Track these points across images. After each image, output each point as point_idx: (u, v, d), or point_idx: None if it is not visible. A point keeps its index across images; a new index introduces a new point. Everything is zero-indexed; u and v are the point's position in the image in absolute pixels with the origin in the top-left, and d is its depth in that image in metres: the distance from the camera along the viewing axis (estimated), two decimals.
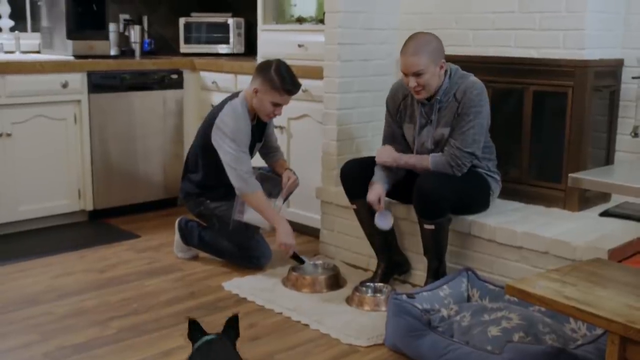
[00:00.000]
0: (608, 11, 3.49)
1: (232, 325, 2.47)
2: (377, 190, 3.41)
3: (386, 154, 3.46)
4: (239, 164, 3.63)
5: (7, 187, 4.35)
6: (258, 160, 4.02)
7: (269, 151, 4.02)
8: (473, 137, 3.26)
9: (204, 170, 3.84)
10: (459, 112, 3.29)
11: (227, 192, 3.72)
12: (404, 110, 3.51)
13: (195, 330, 2.38)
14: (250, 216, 3.71)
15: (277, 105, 3.70)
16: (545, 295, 2.15)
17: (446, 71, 3.33)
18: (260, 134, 3.90)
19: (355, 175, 3.53)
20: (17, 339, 2.98)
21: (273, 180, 3.83)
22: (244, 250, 3.86)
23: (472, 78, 3.34)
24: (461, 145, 3.26)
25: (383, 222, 3.44)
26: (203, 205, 3.88)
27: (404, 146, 3.52)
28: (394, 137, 3.56)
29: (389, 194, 3.59)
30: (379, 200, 3.40)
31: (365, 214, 3.53)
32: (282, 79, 3.62)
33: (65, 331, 3.07)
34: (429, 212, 3.26)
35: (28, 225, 4.51)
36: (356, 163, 3.60)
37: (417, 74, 3.25)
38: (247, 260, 3.86)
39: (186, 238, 4.01)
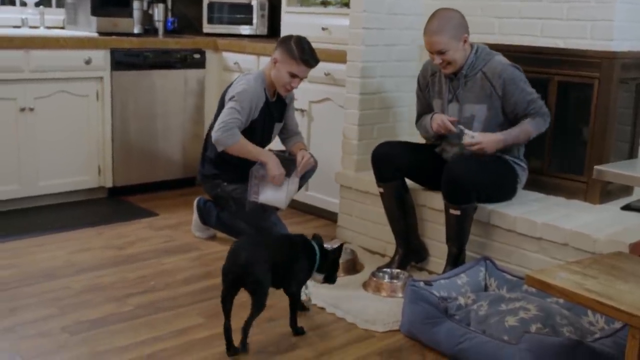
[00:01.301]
0: (636, 2, 3.45)
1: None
2: (439, 116, 3.44)
3: (493, 137, 3.34)
4: (228, 117, 3.65)
5: (28, 161, 4.37)
6: (278, 145, 4.02)
7: (289, 135, 4.02)
8: (531, 92, 3.34)
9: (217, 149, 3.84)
10: (503, 92, 3.31)
11: (242, 173, 3.72)
12: (432, 86, 3.55)
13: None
14: (265, 197, 3.72)
15: (294, 77, 3.73)
16: (566, 287, 2.13)
17: (472, 45, 3.37)
18: (280, 113, 3.90)
19: (387, 158, 3.53)
20: (36, 312, 3.01)
21: (291, 164, 3.83)
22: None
23: (497, 57, 3.38)
24: (543, 107, 3.35)
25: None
26: (220, 188, 3.89)
27: None
28: (427, 112, 3.60)
29: (414, 179, 3.63)
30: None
31: (392, 199, 3.54)
32: (302, 49, 3.69)
33: (82, 306, 3.09)
34: (456, 197, 3.25)
35: (47, 200, 4.54)
36: (389, 146, 3.61)
37: (441, 52, 3.31)
38: None
39: (204, 218, 4.02)
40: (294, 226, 4.22)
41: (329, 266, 3.02)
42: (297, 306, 2.96)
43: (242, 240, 2.93)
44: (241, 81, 3.78)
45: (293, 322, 2.94)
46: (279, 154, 3.82)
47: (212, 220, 4.01)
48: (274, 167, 3.66)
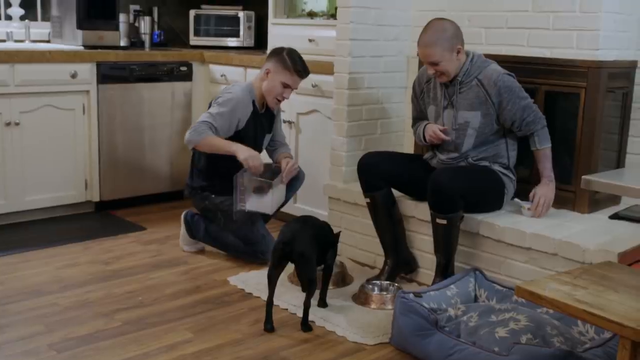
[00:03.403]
0: (623, 12, 3.46)
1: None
2: (431, 126, 3.48)
3: (547, 187, 3.42)
4: (201, 119, 3.68)
5: (14, 176, 4.34)
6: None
7: (276, 146, 4.02)
8: (529, 108, 3.34)
9: (206, 158, 3.83)
10: (499, 101, 3.32)
11: (231, 185, 3.70)
12: (427, 93, 3.56)
13: None
14: (252, 204, 3.71)
15: (287, 87, 3.76)
16: (556, 298, 2.12)
17: (467, 53, 3.40)
18: (269, 124, 3.92)
19: (373, 168, 3.53)
20: (22, 330, 2.97)
21: (274, 173, 3.82)
22: (250, 245, 3.85)
23: (492, 65, 3.39)
24: (542, 120, 3.36)
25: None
26: (208, 200, 3.87)
27: None
28: (422, 119, 3.62)
29: (401, 189, 3.64)
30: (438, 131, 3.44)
31: (378, 209, 3.54)
32: (294, 61, 3.74)
33: (70, 323, 3.06)
34: (442, 206, 3.25)
35: (34, 215, 4.51)
36: (375, 155, 3.60)
37: (434, 63, 3.34)
38: (253, 255, 3.85)
39: (192, 231, 4.00)
40: None
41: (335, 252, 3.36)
42: (329, 278, 3.34)
43: (288, 223, 3.20)
44: (228, 90, 3.80)
45: (324, 294, 3.30)
46: (266, 164, 3.81)
47: (200, 234, 3.98)
48: (245, 153, 3.63)
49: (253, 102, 3.79)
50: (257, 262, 3.83)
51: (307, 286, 3.05)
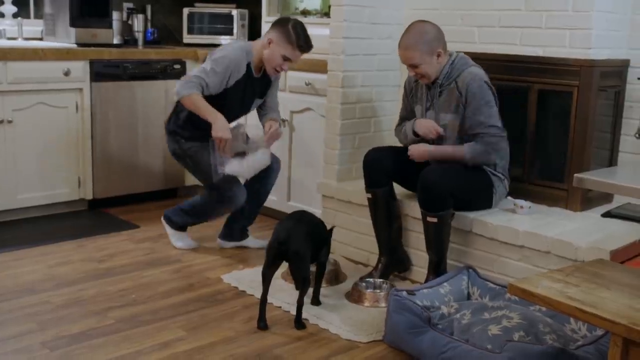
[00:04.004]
0: (615, 11, 3.48)
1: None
2: (426, 120, 3.49)
3: (422, 148, 3.47)
4: (196, 72, 3.66)
5: (7, 174, 4.33)
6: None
7: (267, 111, 3.97)
8: (496, 125, 3.34)
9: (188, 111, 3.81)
10: (464, 104, 3.34)
11: (203, 134, 3.71)
12: (415, 92, 3.58)
13: None
14: (230, 167, 3.70)
15: (287, 60, 3.72)
16: (548, 295, 2.13)
17: (450, 55, 3.40)
18: (263, 90, 3.89)
19: (378, 163, 3.54)
20: (15, 328, 2.97)
21: (247, 138, 3.81)
22: (218, 192, 3.86)
23: (472, 68, 3.37)
24: (493, 133, 3.33)
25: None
26: (178, 144, 3.86)
27: None
28: (411, 116, 3.62)
29: (403, 183, 3.66)
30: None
31: (380, 205, 3.54)
32: (298, 35, 3.68)
33: (62, 321, 3.05)
34: (432, 204, 3.26)
35: (27, 213, 4.50)
36: (380, 151, 3.61)
37: (413, 66, 3.36)
38: (221, 202, 3.88)
39: (173, 222, 4.04)
40: None
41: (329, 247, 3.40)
42: (323, 277, 3.37)
43: (282, 221, 3.18)
44: (226, 47, 3.77)
45: (317, 292, 3.31)
46: (235, 128, 3.79)
47: (179, 218, 4.04)
48: (219, 128, 3.60)
49: (249, 64, 3.74)
50: (225, 209, 3.94)
51: (301, 284, 3.06)
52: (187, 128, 3.80)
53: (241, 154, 3.73)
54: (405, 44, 3.36)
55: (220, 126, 3.60)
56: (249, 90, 3.80)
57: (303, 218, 3.23)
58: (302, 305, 3.06)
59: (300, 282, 3.06)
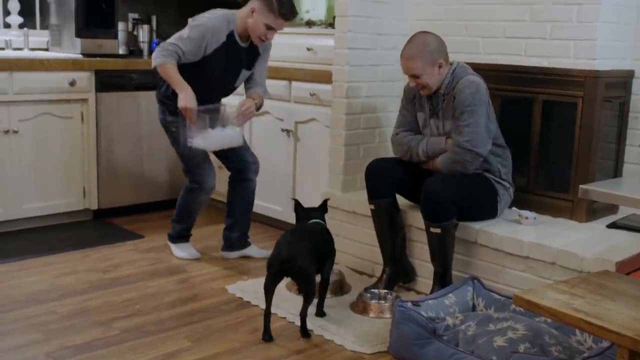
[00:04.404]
0: (619, 22, 3.48)
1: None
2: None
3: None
4: (172, 40, 3.65)
5: (12, 184, 4.34)
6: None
7: (252, 85, 3.92)
8: (470, 135, 3.28)
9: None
10: (454, 109, 3.33)
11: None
12: (418, 100, 3.56)
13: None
14: (198, 142, 3.68)
15: (270, 29, 3.68)
16: (554, 307, 2.13)
17: (451, 64, 3.40)
18: (250, 61, 3.85)
19: (381, 174, 3.53)
20: (20, 338, 2.97)
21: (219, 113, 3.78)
22: (190, 176, 3.93)
23: (469, 76, 3.36)
24: (460, 143, 3.30)
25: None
26: (163, 115, 3.87)
27: (419, 132, 3.58)
28: (408, 124, 3.60)
29: (406, 195, 3.64)
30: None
31: (383, 216, 3.54)
32: (281, 3, 3.62)
33: (67, 331, 3.05)
34: (435, 215, 3.26)
35: (32, 223, 4.51)
36: (382, 162, 3.61)
37: (415, 76, 3.36)
38: (191, 190, 3.96)
39: (170, 235, 4.16)
40: None
41: None
42: (327, 288, 3.33)
43: (283, 235, 3.15)
44: (206, 15, 3.73)
45: (321, 303, 3.28)
46: (217, 106, 3.79)
47: (174, 230, 4.11)
48: (183, 98, 3.57)
49: (232, 33, 3.71)
50: (195, 193, 3.96)
51: (304, 298, 3.04)
52: (172, 99, 3.73)
53: (206, 130, 3.69)
54: (407, 55, 3.37)
55: (185, 96, 3.57)
56: (232, 60, 3.76)
57: (305, 231, 3.22)
58: (305, 316, 3.06)
59: (304, 296, 3.05)
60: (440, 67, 3.35)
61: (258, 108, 3.83)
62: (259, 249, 4.14)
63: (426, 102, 3.50)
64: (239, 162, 4.00)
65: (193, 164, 3.88)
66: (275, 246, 3.06)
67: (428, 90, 3.40)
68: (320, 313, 3.28)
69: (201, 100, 3.63)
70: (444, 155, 3.39)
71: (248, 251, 4.12)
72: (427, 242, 3.34)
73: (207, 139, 3.67)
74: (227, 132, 3.72)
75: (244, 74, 3.86)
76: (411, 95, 3.61)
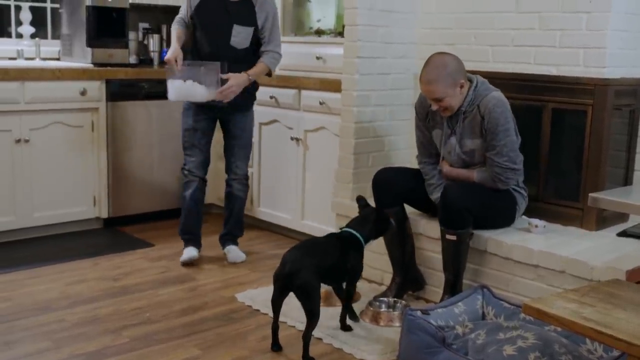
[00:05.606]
0: (629, 30, 3.47)
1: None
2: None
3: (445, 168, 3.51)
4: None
5: (23, 192, 4.37)
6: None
7: (261, 52, 3.99)
8: (508, 154, 3.29)
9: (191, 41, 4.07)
10: (485, 128, 3.30)
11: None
12: (432, 117, 3.52)
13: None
14: (179, 93, 3.85)
15: None
16: (564, 315, 2.12)
17: (471, 80, 3.37)
18: (242, 15, 3.90)
19: (388, 184, 3.53)
20: (30, 346, 2.98)
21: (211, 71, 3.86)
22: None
23: (494, 93, 3.34)
24: (501, 164, 3.29)
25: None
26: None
27: (436, 152, 3.57)
28: (425, 148, 3.59)
29: (414, 205, 3.64)
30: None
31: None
32: None
33: (77, 339, 3.07)
34: (452, 222, 3.25)
35: (43, 231, 4.53)
36: (390, 171, 3.61)
37: (437, 100, 3.30)
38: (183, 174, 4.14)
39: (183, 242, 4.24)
40: None
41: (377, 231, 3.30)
42: (350, 302, 3.24)
43: (290, 249, 3.04)
44: None
45: (343, 317, 3.23)
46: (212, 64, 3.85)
47: (181, 233, 4.21)
48: (168, 53, 3.83)
49: None
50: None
51: (307, 318, 2.90)
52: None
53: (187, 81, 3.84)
54: (426, 79, 3.29)
55: (170, 51, 3.83)
56: (220, 15, 3.87)
57: (312, 247, 3.10)
58: (308, 341, 2.91)
59: (307, 316, 2.90)
60: (461, 87, 3.30)
61: (263, 73, 3.99)
62: (238, 254, 4.19)
63: (443, 118, 3.45)
64: (228, 159, 4.14)
65: (183, 145, 4.07)
66: (281, 260, 2.98)
67: (450, 111, 3.35)
68: (344, 327, 3.23)
69: (207, 58, 3.86)
70: (481, 173, 3.37)
71: (226, 252, 4.21)
72: (442, 249, 3.34)
73: (172, 87, 3.85)
74: (188, 86, 3.82)
75: (239, 29, 3.89)
76: (423, 113, 3.56)
